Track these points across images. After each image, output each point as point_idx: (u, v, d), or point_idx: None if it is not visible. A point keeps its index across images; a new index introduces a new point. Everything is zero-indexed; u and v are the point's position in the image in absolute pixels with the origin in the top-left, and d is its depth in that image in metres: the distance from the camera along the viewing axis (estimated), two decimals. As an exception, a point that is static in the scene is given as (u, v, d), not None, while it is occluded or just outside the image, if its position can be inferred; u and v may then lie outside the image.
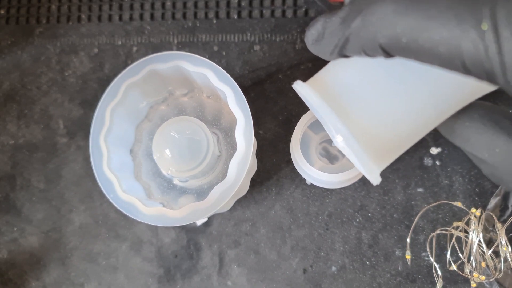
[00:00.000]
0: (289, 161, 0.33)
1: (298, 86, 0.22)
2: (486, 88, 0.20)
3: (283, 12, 0.35)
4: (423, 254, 0.31)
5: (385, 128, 0.20)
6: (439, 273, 0.29)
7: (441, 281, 0.29)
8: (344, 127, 0.20)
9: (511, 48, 0.13)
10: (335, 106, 0.20)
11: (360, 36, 0.17)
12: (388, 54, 0.16)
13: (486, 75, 0.14)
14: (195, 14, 0.36)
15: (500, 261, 0.27)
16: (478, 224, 0.28)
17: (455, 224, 0.29)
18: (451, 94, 0.19)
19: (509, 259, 0.27)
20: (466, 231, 0.29)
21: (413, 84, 0.19)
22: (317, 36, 0.19)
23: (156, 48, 0.36)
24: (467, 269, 0.28)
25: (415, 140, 0.22)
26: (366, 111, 0.20)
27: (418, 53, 0.15)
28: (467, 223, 0.29)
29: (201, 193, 0.30)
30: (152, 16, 0.37)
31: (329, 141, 0.31)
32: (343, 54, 0.19)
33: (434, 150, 0.32)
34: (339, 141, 0.21)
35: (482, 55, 0.13)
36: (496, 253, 0.28)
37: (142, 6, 0.37)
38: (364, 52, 0.17)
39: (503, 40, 0.13)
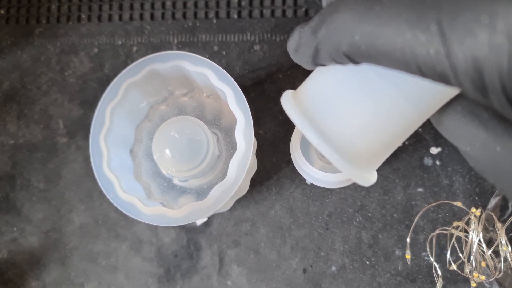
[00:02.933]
0: (289, 161, 0.33)
1: (281, 101, 0.21)
2: None
3: (283, 12, 0.35)
4: (423, 254, 0.31)
5: (368, 135, 0.20)
6: (439, 273, 0.29)
7: (441, 281, 0.29)
8: (322, 141, 0.19)
9: (458, 50, 0.13)
10: (312, 118, 0.20)
11: (327, 45, 0.17)
12: (354, 61, 0.17)
13: (440, 78, 0.14)
14: (195, 14, 0.36)
15: (500, 261, 0.27)
16: (478, 224, 0.28)
17: (455, 224, 0.29)
18: (431, 93, 0.19)
19: (509, 259, 0.27)
20: (466, 231, 0.29)
21: (390, 88, 0.18)
22: (295, 46, 0.19)
23: (156, 48, 0.36)
24: (467, 269, 0.28)
25: (401, 141, 0.21)
26: (346, 119, 0.19)
27: (379, 59, 0.15)
28: (467, 223, 0.29)
29: (201, 193, 0.30)
30: (152, 16, 0.37)
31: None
32: (317, 63, 0.19)
33: (434, 150, 0.32)
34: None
35: (433, 58, 0.14)
36: (496, 253, 0.28)
37: (142, 6, 0.37)
38: (334, 60, 0.17)
39: (450, 43, 0.13)
